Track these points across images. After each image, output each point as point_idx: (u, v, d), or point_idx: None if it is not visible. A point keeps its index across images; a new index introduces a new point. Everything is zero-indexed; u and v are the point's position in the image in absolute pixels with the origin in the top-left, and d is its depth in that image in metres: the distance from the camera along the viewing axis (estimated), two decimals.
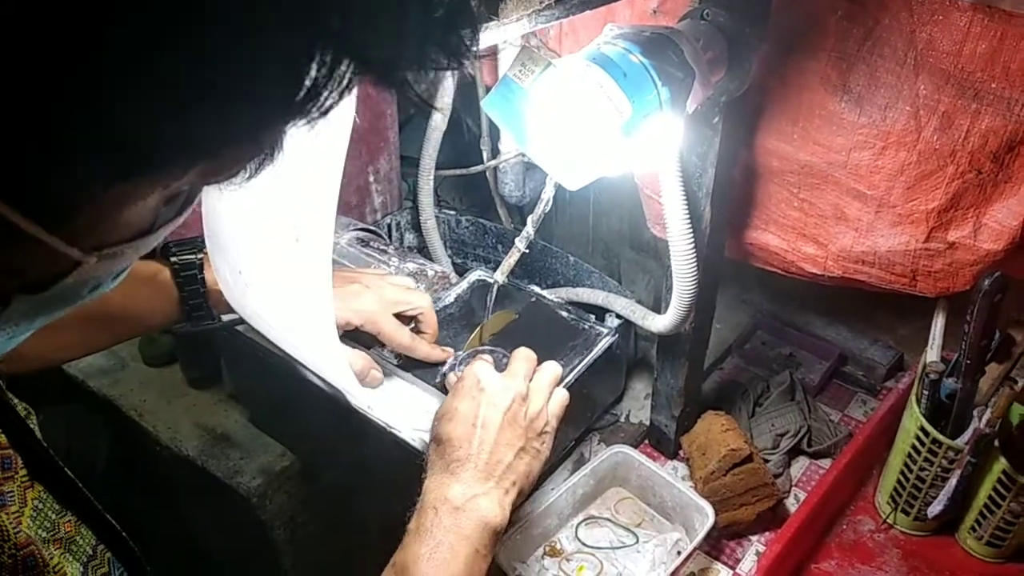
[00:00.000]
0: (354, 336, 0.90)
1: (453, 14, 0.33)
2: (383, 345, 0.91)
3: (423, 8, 0.32)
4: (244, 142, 0.33)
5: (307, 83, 0.31)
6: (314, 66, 0.30)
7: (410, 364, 0.93)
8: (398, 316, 0.89)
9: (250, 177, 0.36)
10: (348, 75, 0.31)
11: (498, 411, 0.71)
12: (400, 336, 0.87)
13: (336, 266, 0.92)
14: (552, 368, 0.78)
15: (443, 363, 0.91)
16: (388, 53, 0.32)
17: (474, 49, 0.35)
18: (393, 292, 0.89)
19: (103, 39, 0.26)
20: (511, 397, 0.72)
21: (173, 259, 0.81)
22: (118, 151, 0.29)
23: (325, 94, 0.31)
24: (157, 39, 0.26)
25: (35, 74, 0.26)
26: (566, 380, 0.94)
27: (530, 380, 0.75)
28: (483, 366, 0.75)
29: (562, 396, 0.78)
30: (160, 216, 0.37)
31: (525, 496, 0.72)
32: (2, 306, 0.35)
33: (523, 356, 0.78)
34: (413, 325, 0.92)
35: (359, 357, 0.84)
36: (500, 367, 0.80)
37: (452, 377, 0.82)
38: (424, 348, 0.90)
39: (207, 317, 0.84)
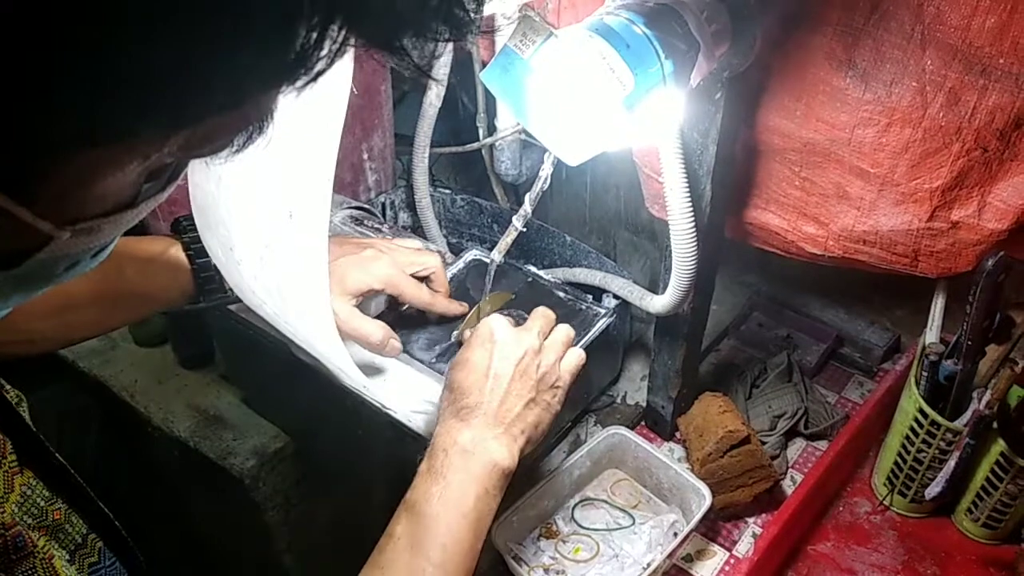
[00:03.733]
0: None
1: None
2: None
3: None
4: (227, 108, 0.31)
5: (296, 46, 0.29)
6: (303, 28, 0.28)
7: (406, 344, 0.92)
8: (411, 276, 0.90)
9: (237, 151, 0.34)
10: (340, 39, 0.30)
11: (510, 362, 0.72)
12: (421, 295, 0.90)
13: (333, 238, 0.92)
14: (566, 329, 0.79)
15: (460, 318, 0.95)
16: (382, 16, 0.30)
17: (477, 20, 0.33)
18: (405, 255, 0.90)
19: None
20: (523, 349, 0.73)
21: (184, 235, 0.80)
22: (83, 116, 0.27)
23: (315, 58, 0.30)
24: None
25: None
26: None
27: (545, 337, 0.76)
28: (498, 319, 0.76)
29: (578, 354, 0.78)
30: (143, 191, 0.35)
31: (534, 446, 0.73)
32: None
33: (541, 313, 0.79)
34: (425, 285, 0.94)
35: (378, 327, 0.84)
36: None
37: (467, 333, 0.83)
38: (444, 302, 0.93)
39: (219, 291, 0.83)
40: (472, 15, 0.33)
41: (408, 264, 0.90)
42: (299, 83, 0.30)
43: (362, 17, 0.30)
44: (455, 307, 0.95)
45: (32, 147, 0.28)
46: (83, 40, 0.25)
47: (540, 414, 0.73)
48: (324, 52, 0.30)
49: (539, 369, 0.73)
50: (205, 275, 0.81)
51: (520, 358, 0.72)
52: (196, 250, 0.80)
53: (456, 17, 0.32)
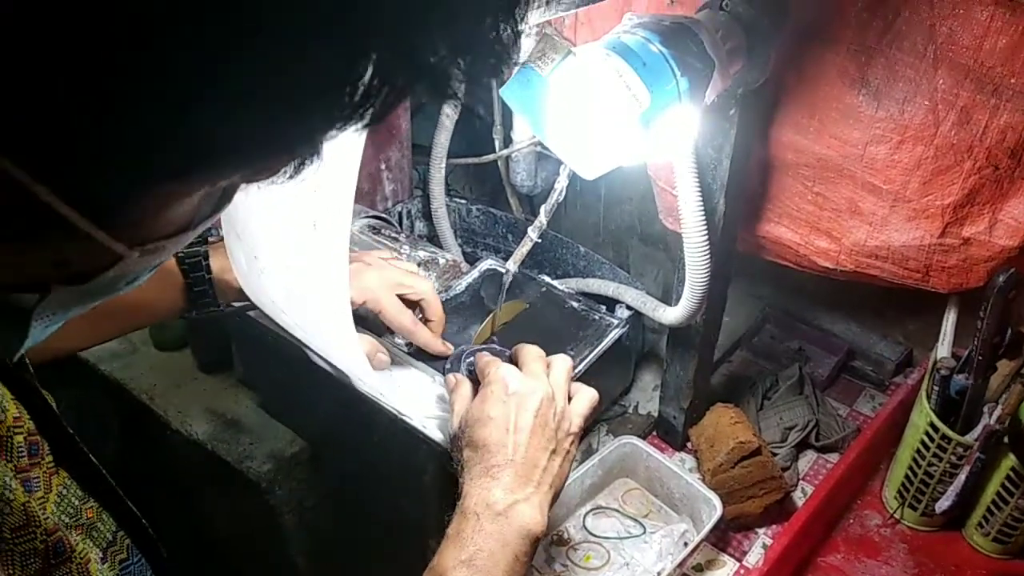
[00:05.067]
0: (360, 324, 0.90)
1: (499, 23, 0.33)
2: (392, 332, 0.92)
3: (476, 19, 0.32)
4: (300, 147, 0.34)
5: (362, 91, 0.31)
6: (370, 76, 0.31)
7: (421, 351, 0.93)
8: (401, 300, 0.88)
9: (291, 177, 0.36)
10: (402, 85, 0.32)
11: (529, 414, 0.70)
12: (402, 318, 0.87)
13: None
14: (564, 362, 0.77)
15: (442, 357, 0.90)
16: (442, 64, 0.32)
17: (515, 56, 0.35)
18: (395, 274, 0.88)
19: (158, 49, 0.26)
20: (539, 398, 0.71)
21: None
22: (171, 157, 0.29)
23: (379, 102, 0.32)
24: (215, 49, 0.27)
25: (95, 77, 0.26)
26: (576, 370, 0.94)
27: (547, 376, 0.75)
28: (509, 369, 0.74)
29: (591, 396, 0.76)
30: (199, 212, 0.37)
31: (557, 497, 0.72)
32: (42, 295, 0.36)
33: (535, 355, 0.76)
34: (418, 313, 0.91)
35: (365, 341, 0.84)
36: None
37: (451, 379, 0.81)
38: (425, 334, 0.89)
39: (213, 305, 0.84)
40: (511, 52, 0.34)
41: (397, 284, 0.87)
42: (365, 123, 0.33)
43: (423, 68, 0.32)
44: (436, 344, 0.89)
45: (123, 183, 0.30)
46: (181, 96, 0.27)
47: (562, 463, 0.71)
48: (388, 98, 0.32)
49: (555, 416, 0.72)
50: (199, 289, 0.82)
51: (538, 408, 0.71)
52: (190, 264, 0.81)
53: (498, 54, 0.34)
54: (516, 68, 0.60)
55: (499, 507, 0.66)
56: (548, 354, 0.78)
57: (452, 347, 0.91)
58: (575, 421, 0.74)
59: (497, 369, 0.74)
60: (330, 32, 0.28)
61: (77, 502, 0.50)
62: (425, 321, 0.91)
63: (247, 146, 0.31)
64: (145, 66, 0.26)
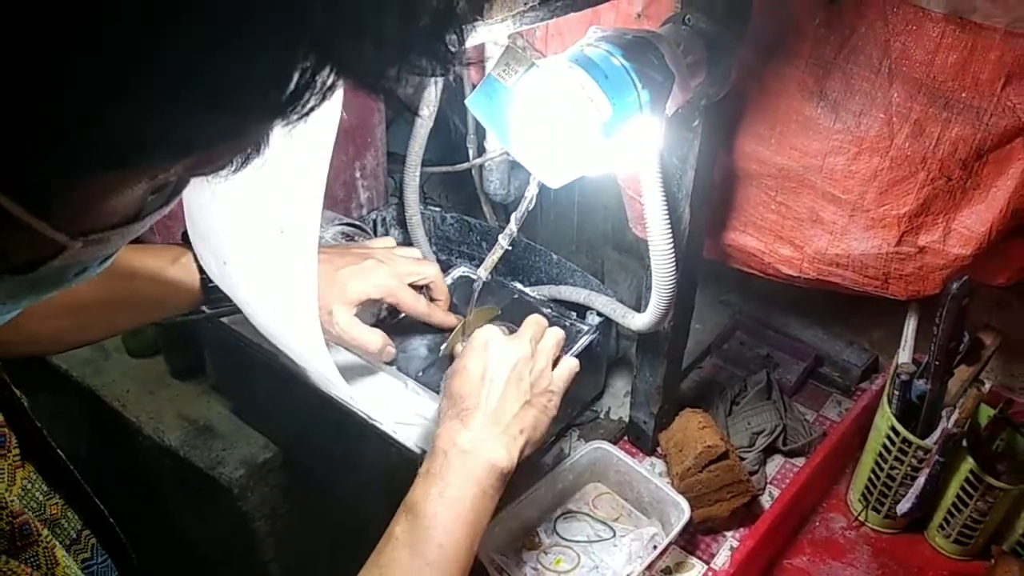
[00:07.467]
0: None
1: (438, 21, 0.34)
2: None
3: (406, 15, 0.33)
4: (227, 140, 0.35)
5: (290, 87, 0.32)
6: (297, 71, 0.31)
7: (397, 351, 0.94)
8: (410, 286, 0.94)
9: (236, 170, 0.37)
10: (330, 80, 0.33)
11: (504, 367, 0.75)
12: (418, 305, 0.94)
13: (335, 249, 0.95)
14: (556, 332, 0.82)
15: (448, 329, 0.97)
16: (369, 60, 0.33)
17: (460, 56, 0.36)
18: (405, 265, 0.94)
19: (90, 38, 0.27)
20: (516, 356, 0.76)
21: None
22: (103, 145, 0.30)
23: (307, 97, 0.32)
24: (144, 41, 0.27)
25: (26, 68, 0.27)
26: None
27: (537, 343, 0.80)
28: (491, 328, 0.80)
29: (572, 363, 0.82)
30: (147, 205, 0.38)
31: (534, 449, 0.76)
32: None
33: (533, 321, 0.82)
34: (425, 294, 0.97)
35: (377, 335, 0.89)
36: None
37: (459, 347, 0.86)
38: (440, 314, 0.97)
39: (227, 299, 0.85)
40: (453, 49, 0.35)
41: (407, 274, 0.93)
42: (290, 120, 0.33)
43: (350, 63, 0.33)
44: (450, 319, 0.98)
45: (58, 171, 0.31)
46: (110, 84, 0.28)
47: (537, 416, 0.76)
48: (314, 93, 0.32)
49: (532, 373, 0.77)
50: (213, 284, 0.83)
51: (514, 364, 0.76)
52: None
53: (438, 53, 0.35)
54: (485, 73, 0.62)
55: (466, 446, 0.71)
56: None
57: (463, 318, 0.99)
58: (556, 383, 0.79)
59: (480, 329, 0.80)
60: (260, 30, 0.29)
61: (41, 497, 0.50)
62: (432, 300, 0.97)
63: (178, 139, 0.32)
64: (72, 57, 0.27)
